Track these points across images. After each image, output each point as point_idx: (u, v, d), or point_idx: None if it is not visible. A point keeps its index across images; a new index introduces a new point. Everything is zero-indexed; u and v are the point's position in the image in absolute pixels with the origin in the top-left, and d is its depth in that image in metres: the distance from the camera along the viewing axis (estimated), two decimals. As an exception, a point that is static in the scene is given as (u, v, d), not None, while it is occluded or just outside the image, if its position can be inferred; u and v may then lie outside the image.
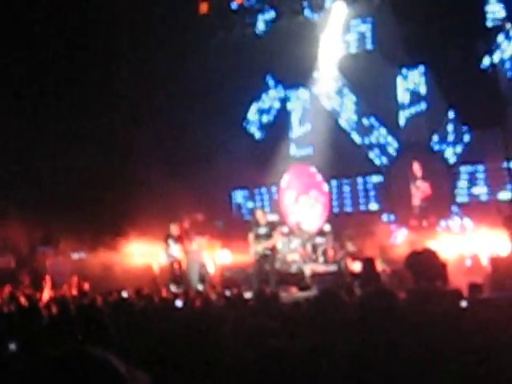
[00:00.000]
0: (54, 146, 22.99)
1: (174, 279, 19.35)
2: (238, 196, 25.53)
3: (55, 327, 7.59)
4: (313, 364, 3.84)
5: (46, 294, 16.79)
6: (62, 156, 23.04)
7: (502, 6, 20.34)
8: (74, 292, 17.03)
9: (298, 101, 24.48)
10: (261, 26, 24.33)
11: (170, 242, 19.90)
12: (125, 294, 15.58)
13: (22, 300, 14.36)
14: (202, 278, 20.29)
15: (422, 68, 21.82)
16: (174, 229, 20.01)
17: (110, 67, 23.32)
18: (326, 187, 23.45)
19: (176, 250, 19.74)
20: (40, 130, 22.54)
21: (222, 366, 4.35)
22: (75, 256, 23.07)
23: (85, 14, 22.06)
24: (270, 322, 6.21)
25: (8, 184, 22.08)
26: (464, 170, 21.01)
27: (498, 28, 20.35)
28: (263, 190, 24.87)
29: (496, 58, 20.14)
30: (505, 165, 19.61)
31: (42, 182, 23.20)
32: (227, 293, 15.54)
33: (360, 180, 23.04)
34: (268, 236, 18.30)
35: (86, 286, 17.88)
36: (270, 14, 23.94)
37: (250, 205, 24.85)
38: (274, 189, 24.52)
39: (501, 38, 20.27)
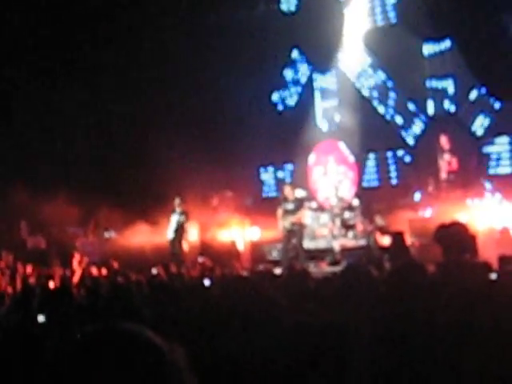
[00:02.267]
0: (85, 128, 23.18)
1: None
2: (266, 172, 25.48)
3: (86, 307, 7.66)
4: (338, 340, 3.84)
5: (77, 274, 16.92)
6: (90, 136, 23.20)
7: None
8: (104, 271, 17.13)
9: (325, 76, 24.34)
10: (285, 3, 24.24)
11: (173, 216, 20.16)
12: (154, 271, 15.69)
13: (54, 280, 14.48)
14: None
15: (448, 41, 21.63)
16: (178, 202, 20.22)
17: (137, 46, 23.50)
18: (353, 162, 23.35)
19: (174, 223, 20.06)
20: (71, 112, 22.74)
21: (249, 341, 4.36)
22: (106, 235, 23.22)
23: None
24: (299, 298, 6.22)
25: (37, 165, 22.24)
26: (492, 142, 20.86)
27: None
28: (291, 166, 24.80)
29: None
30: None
31: (70, 163, 23.37)
32: (257, 269, 15.59)
33: (388, 154, 22.95)
34: (295, 211, 18.33)
35: (116, 265, 17.97)
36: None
37: (278, 181, 24.80)
38: (302, 165, 24.43)
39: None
